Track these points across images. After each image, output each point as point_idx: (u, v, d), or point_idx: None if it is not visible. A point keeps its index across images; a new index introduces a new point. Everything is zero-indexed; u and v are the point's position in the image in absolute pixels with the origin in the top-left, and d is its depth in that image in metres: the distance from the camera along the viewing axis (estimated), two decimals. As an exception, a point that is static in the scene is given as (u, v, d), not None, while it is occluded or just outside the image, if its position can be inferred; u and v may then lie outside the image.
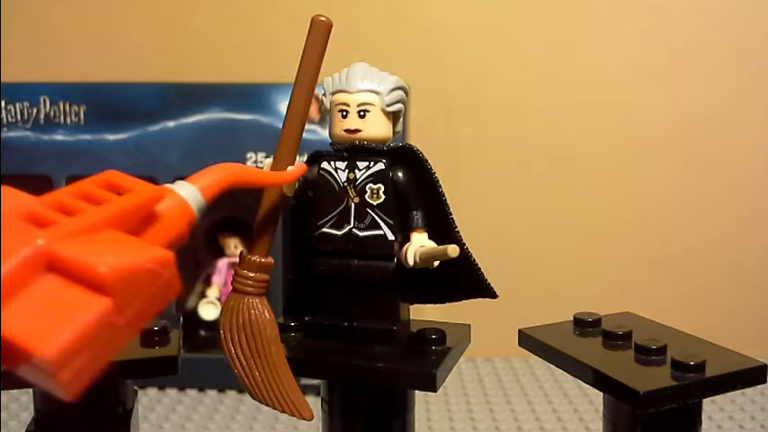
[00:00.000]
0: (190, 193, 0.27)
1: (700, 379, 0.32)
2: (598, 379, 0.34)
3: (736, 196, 0.84)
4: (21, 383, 0.35)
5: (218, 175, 0.28)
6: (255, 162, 0.72)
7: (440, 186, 0.35)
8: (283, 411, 0.34)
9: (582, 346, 0.37)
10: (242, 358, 0.34)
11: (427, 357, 0.34)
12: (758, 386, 0.34)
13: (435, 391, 0.33)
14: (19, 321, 0.19)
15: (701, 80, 0.83)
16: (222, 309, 0.35)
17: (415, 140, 0.40)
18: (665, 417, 0.33)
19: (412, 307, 0.38)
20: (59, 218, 0.22)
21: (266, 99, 0.73)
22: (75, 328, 0.19)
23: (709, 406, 0.68)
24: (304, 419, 0.34)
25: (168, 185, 0.26)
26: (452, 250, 0.32)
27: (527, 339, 0.39)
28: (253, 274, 0.34)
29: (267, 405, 0.34)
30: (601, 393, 0.35)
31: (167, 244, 0.25)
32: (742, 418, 0.67)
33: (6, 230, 0.21)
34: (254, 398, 0.34)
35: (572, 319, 0.40)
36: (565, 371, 0.36)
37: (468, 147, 0.84)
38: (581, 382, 0.35)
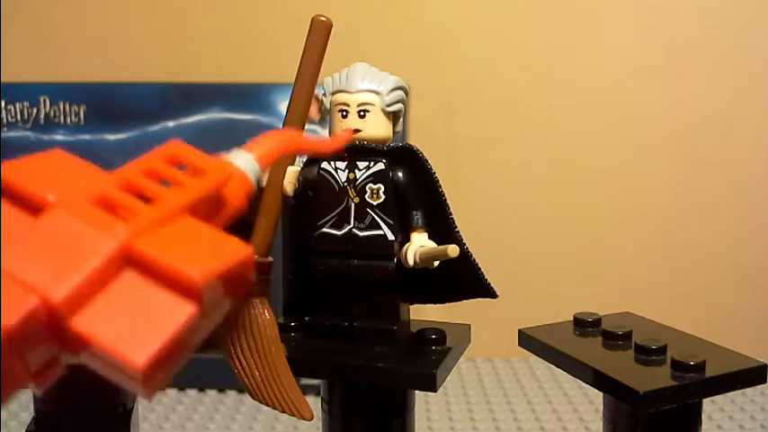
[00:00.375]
0: (248, 164, 0.26)
1: (700, 379, 0.32)
2: (598, 379, 0.34)
3: (736, 196, 0.84)
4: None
5: (274, 142, 0.28)
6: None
7: (440, 186, 0.35)
8: (283, 411, 0.34)
9: (582, 346, 0.37)
10: (242, 358, 0.34)
11: (427, 357, 0.34)
12: (758, 386, 0.34)
13: (435, 391, 0.33)
14: (105, 325, 0.19)
15: (701, 80, 0.83)
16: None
17: (415, 140, 0.40)
18: (665, 417, 0.33)
19: (412, 307, 0.38)
20: (135, 204, 0.21)
21: (266, 99, 0.73)
22: (164, 335, 0.19)
23: (709, 406, 0.68)
24: (304, 419, 0.34)
25: (226, 155, 0.25)
26: (452, 250, 0.32)
27: (527, 339, 0.39)
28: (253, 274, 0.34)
29: (267, 405, 0.34)
30: (601, 393, 0.35)
31: (230, 219, 0.24)
32: (742, 418, 0.67)
33: (83, 218, 0.20)
34: (253, 398, 0.34)
35: (572, 319, 0.40)
36: (565, 371, 0.36)
37: (468, 147, 0.84)
38: (581, 382, 0.35)
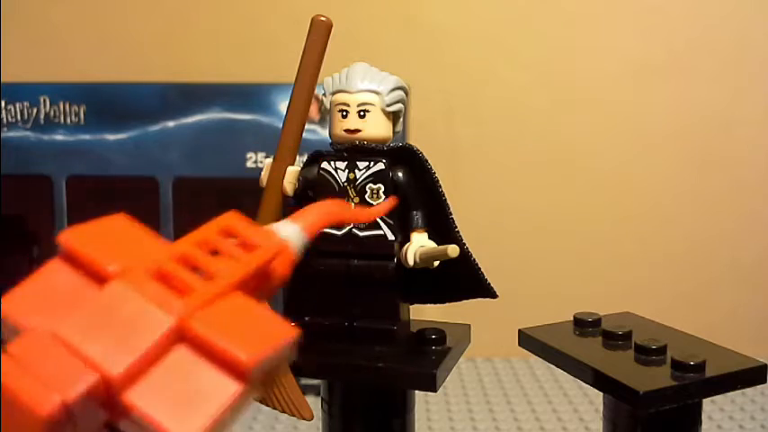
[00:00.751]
0: (294, 234, 0.27)
1: (700, 379, 0.32)
2: (598, 379, 0.34)
3: (736, 195, 0.84)
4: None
5: (320, 214, 0.29)
6: (255, 162, 0.72)
7: (440, 186, 0.35)
8: (283, 411, 0.34)
9: (582, 346, 0.37)
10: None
11: (427, 357, 0.34)
12: (758, 386, 0.34)
13: (435, 391, 0.33)
14: (154, 399, 0.19)
15: (701, 80, 0.83)
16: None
17: (415, 140, 0.40)
18: (665, 417, 0.33)
19: (412, 307, 0.38)
20: (191, 279, 0.22)
21: (266, 99, 0.73)
22: (212, 412, 0.19)
23: (709, 406, 0.68)
24: (304, 419, 0.34)
25: (273, 227, 0.26)
26: (452, 250, 0.32)
27: (527, 339, 0.39)
28: None
29: (267, 405, 0.34)
30: (601, 393, 0.35)
31: (275, 289, 0.25)
32: (742, 418, 0.67)
33: (143, 293, 0.21)
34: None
35: (572, 319, 0.40)
36: (565, 371, 0.36)
37: (469, 147, 0.84)
38: (581, 382, 0.35)
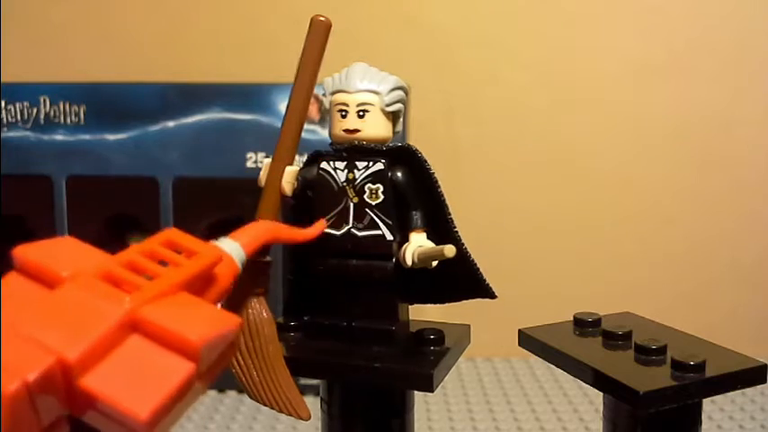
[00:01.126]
0: (234, 250, 0.29)
1: (700, 379, 0.32)
2: (598, 379, 0.34)
3: (736, 195, 0.84)
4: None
5: (258, 232, 0.31)
6: (255, 162, 0.72)
7: (439, 186, 0.35)
8: (280, 411, 0.34)
9: (582, 346, 0.37)
10: (240, 358, 0.34)
11: (425, 358, 0.34)
12: (758, 386, 0.34)
13: (432, 391, 0.33)
14: (111, 382, 0.21)
15: (701, 80, 0.83)
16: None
17: (415, 140, 0.40)
18: (665, 417, 0.33)
19: (412, 307, 0.38)
20: (137, 280, 0.24)
21: (266, 99, 0.73)
22: (165, 391, 0.21)
23: (709, 406, 0.68)
24: (301, 419, 0.34)
25: (214, 242, 0.28)
26: (449, 250, 0.32)
27: (527, 339, 0.39)
28: None
29: (264, 404, 0.34)
30: (601, 393, 0.35)
31: (218, 297, 0.27)
32: (742, 418, 0.67)
33: (92, 292, 0.23)
34: (251, 397, 0.34)
35: (572, 319, 0.39)
36: (565, 371, 0.36)
37: (469, 147, 0.84)
38: (581, 382, 0.35)
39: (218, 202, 0.74)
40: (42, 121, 0.74)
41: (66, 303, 0.22)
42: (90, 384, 0.21)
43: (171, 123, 0.74)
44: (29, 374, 0.20)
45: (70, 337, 0.21)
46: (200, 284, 0.26)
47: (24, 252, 0.24)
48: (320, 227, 0.35)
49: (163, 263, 0.25)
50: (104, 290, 0.23)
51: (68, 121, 0.74)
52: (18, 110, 0.75)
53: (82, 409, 0.21)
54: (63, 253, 0.25)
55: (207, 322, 0.23)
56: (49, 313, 0.22)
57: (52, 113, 0.75)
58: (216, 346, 0.23)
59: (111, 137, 0.74)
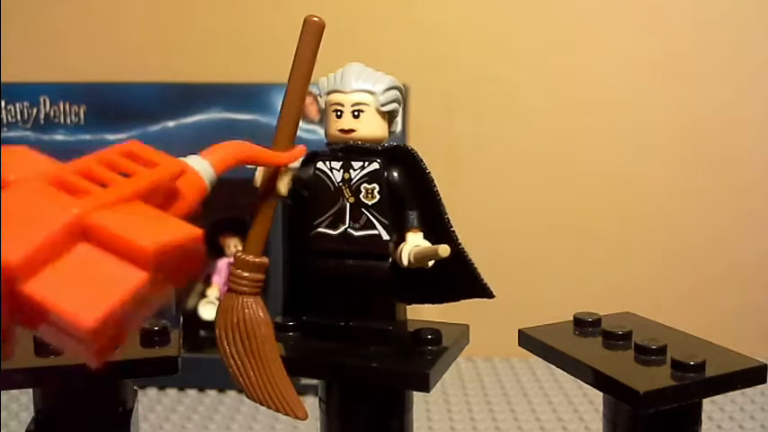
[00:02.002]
0: (203, 168, 0.28)
1: (700, 379, 0.32)
2: (598, 379, 0.34)
3: (736, 195, 0.84)
4: (20, 383, 0.35)
5: (229, 150, 0.30)
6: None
7: (435, 186, 0.35)
8: (277, 411, 0.34)
9: (582, 346, 0.37)
10: (236, 358, 0.34)
11: (422, 357, 0.34)
12: (758, 386, 0.34)
13: (428, 391, 0.33)
14: (56, 288, 0.20)
15: (701, 80, 0.83)
16: (217, 308, 0.35)
17: (414, 140, 0.40)
18: (665, 417, 0.33)
19: (411, 307, 0.38)
20: (91, 187, 0.22)
21: (266, 99, 0.73)
22: (113, 299, 0.20)
23: (709, 406, 0.68)
24: (298, 419, 0.34)
25: (182, 159, 0.27)
26: (443, 250, 0.32)
27: (527, 339, 0.39)
28: (247, 274, 0.34)
29: (261, 404, 0.34)
30: (601, 393, 0.35)
31: (183, 215, 0.26)
32: (742, 418, 0.67)
33: (39, 196, 0.21)
34: (248, 397, 0.34)
35: (572, 319, 0.39)
36: (565, 371, 0.36)
37: (468, 147, 0.84)
38: (581, 382, 0.35)
39: (217, 203, 0.74)
40: (42, 121, 0.74)
41: (11, 207, 0.21)
42: (33, 290, 0.20)
43: (171, 123, 0.74)
44: None
45: (13, 241, 0.20)
46: (162, 199, 0.25)
47: None
48: (300, 151, 0.34)
49: (125, 175, 0.24)
50: (53, 194, 0.22)
51: (68, 121, 0.74)
52: (18, 110, 0.75)
53: (31, 320, 0.20)
54: (14, 159, 0.23)
55: (161, 230, 0.22)
56: None
57: (52, 113, 0.75)
58: (172, 256, 0.22)
59: (111, 137, 0.74)
